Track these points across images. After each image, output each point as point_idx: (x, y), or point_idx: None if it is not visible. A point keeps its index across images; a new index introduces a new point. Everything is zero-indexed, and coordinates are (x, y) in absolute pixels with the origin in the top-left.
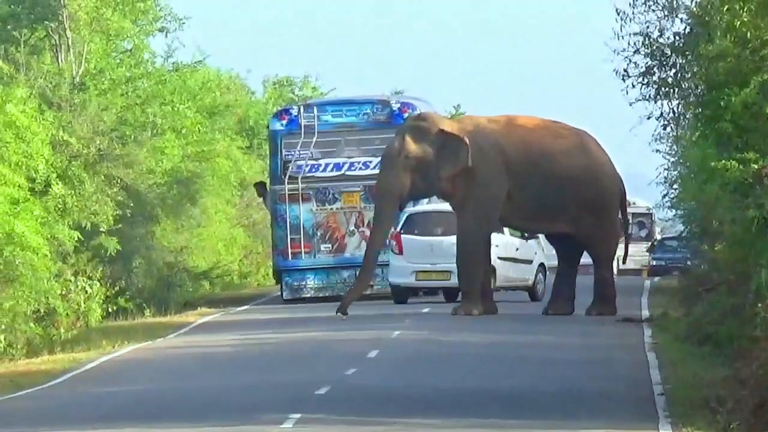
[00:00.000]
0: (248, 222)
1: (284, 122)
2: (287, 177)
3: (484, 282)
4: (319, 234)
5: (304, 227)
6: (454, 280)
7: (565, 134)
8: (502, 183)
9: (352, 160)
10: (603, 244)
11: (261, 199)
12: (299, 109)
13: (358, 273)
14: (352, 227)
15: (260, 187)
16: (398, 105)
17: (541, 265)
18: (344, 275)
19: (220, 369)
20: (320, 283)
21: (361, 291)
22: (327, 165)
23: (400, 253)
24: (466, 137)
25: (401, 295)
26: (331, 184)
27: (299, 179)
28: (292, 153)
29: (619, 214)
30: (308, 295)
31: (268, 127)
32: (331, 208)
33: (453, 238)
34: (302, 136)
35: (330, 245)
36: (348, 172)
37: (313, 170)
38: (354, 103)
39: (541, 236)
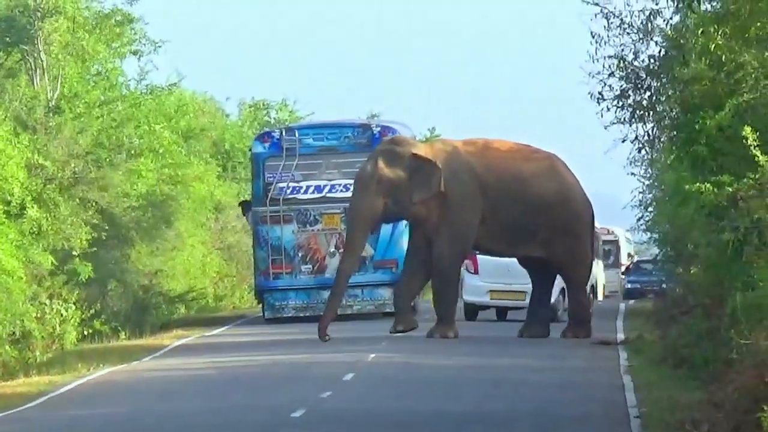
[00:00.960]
0: (223, 245)
1: (266, 145)
2: (269, 199)
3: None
4: (300, 255)
5: (285, 248)
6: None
7: (536, 157)
8: (476, 207)
9: (333, 182)
10: (576, 267)
11: (245, 218)
12: (281, 132)
13: (328, 297)
14: (332, 248)
15: (245, 205)
16: (378, 129)
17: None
18: (324, 295)
19: (196, 392)
20: (301, 303)
21: (332, 315)
22: (308, 187)
23: (476, 272)
24: (438, 162)
25: (472, 313)
26: (312, 206)
27: (281, 201)
28: (274, 175)
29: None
30: (289, 315)
31: (250, 149)
32: (312, 230)
33: None
34: (284, 158)
35: (311, 266)
36: (329, 194)
37: (295, 192)
38: (335, 126)
39: None
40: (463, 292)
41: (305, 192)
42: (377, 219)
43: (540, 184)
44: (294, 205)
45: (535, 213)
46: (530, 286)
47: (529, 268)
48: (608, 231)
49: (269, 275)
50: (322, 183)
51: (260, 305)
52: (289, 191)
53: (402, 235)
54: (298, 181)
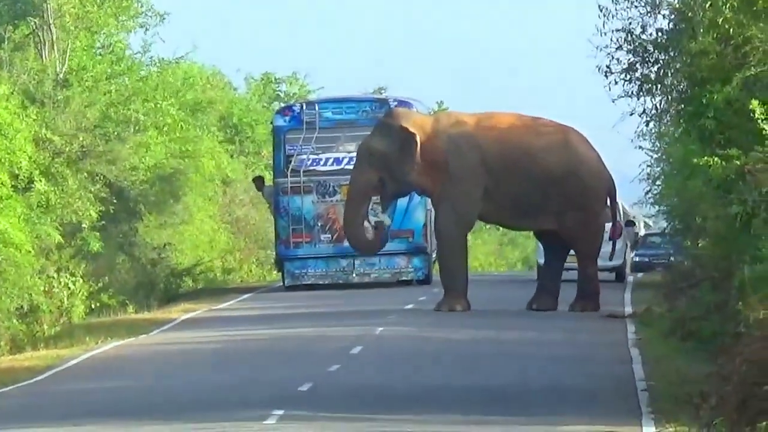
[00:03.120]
0: (231, 219)
1: (287, 118)
2: (290, 170)
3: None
4: (319, 224)
5: (305, 218)
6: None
7: (547, 131)
8: (477, 179)
9: (351, 154)
10: (586, 240)
11: (260, 194)
12: (301, 107)
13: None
14: None
15: (259, 181)
16: (395, 103)
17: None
18: (342, 264)
19: (203, 365)
20: (320, 271)
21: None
22: (327, 159)
23: None
24: (441, 135)
25: None
26: (331, 177)
27: (301, 172)
28: (295, 148)
29: (607, 209)
30: (309, 282)
31: (271, 123)
32: (331, 200)
33: None
34: (304, 131)
35: (329, 235)
36: (347, 167)
37: (314, 164)
38: (353, 101)
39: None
40: None
41: (324, 164)
42: (371, 191)
43: (548, 158)
44: (313, 177)
45: (544, 186)
46: None
47: (542, 240)
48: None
49: (290, 244)
50: (340, 155)
51: (279, 274)
52: (308, 163)
53: (418, 207)
54: (317, 154)
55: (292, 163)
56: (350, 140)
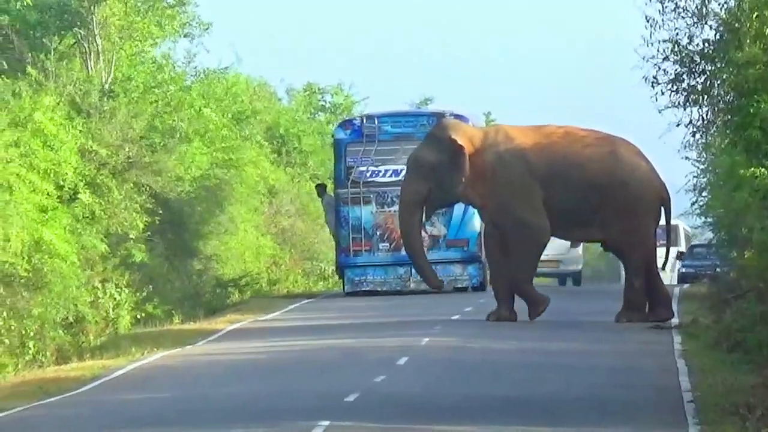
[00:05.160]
0: (277, 229)
1: (348, 132)
2: (350, 182)
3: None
4: (378, 233)
5: (364, 227)
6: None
7: (595, 142)
8: (529, 188)
9: None
10: (633, 250)
11: (320, 201)
12: (362, 120)
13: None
14: None
15: (321, 188)
16: (452, 117)
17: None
18: (400, 271)
19: (249, 376)
20: (379, 278)
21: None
22: (386, 171)
23: None
24: (487, 147)
25: None
26: (389, 188)
27: (361, 184)
28: (355, 159)
29: (661, 220)
30: (367, 289)
31: (333, 136)
32: (390, 211)
33: None
34: (364, 144)
35: (388, 244)
36: None
37: (374, 176)
38: (411, 115)
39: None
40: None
41: (383, 175)
42: (421, 202)
43: (594, 168)
44: (373, 188)
45: (591, 197)
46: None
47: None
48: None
49: (350, 252)
50: (399, 167)
51: (340, 280)
52: (368, 174)
53: (473, 216)
54: (376, 165)
55: (353, 174)
56: (408, 153)
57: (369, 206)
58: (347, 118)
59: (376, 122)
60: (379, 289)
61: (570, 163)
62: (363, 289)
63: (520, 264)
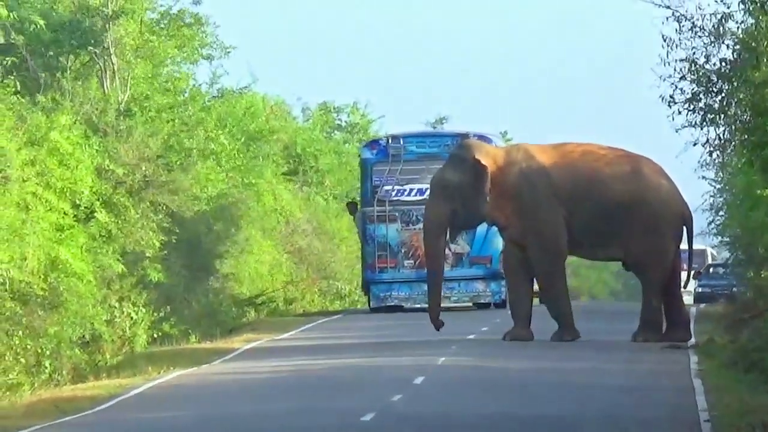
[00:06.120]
0: (293, 249)
1: (374, 151)
2: (376, 200)
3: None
4: (403, 251)
5: (390, 245)
6: None
7: (617, 160)
8: (553, 207)
9: None
10: (651, 269)
11: (352, 218)
12: (388, 140)
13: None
14: None
15: (351, 206)
16: (475, 138)
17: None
18: (424, 288)
19: (266, 395)
20: (404, 294)
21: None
22: (411, 190)
23: None
24: (512, 167)
25: None
26: (414, 207)
27: (387, 202)
28: (381, 179)
29: (682, 240)
30: (392, 304)
31: (359, 155)
32: (414, 228)
33: None
34: (390, 164)
35: (413, 261)
36: None
37: (399, 194)
38: (436, 135)
39: None
40: None
41: (408, 194)
42: (446, 223)
43: (619, 188)
44: (398, 206)
45: (613, 215)
46: None
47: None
48: None
49: (375, 269)
50: (423, 186)
51: (366, 297)
52: (394, 193)
53: (496, 234)
54: (402, 185)
55: (378, 193)
56: (433, 172)
57: (394, 224)
58: (373, 139)
59: (402, 142)
60: (403, 304)
61: (593, 182)
62: (388, 304)
63: (549, 283)
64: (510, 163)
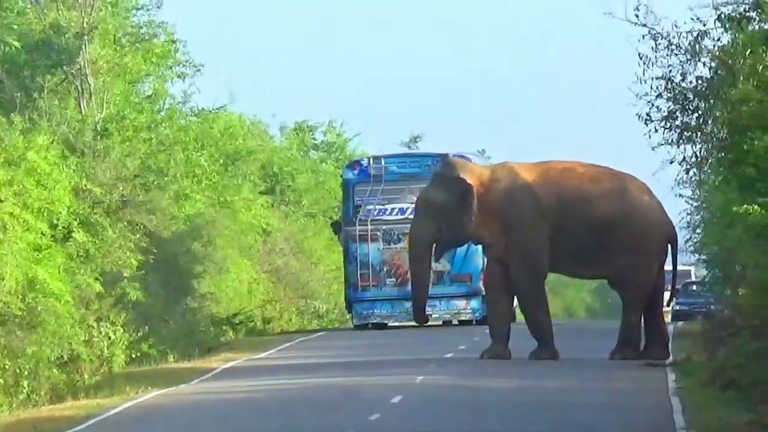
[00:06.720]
0: (271, 268)
1: (356, 172)
2: (358, 220)
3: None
4: (385, 269)
5: (372, 263)
6: None
7: (603, 178)
8: (538, 225)
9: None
10: (633, 287)
11: (336, 237)
12: (369, 161)
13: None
14: None
15: (336, 226)
16: (456, 157)
17: None
18: (406, 305)
19: (244, 415)
20: (386, 312)
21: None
22: (393, 209)
23: None
24: (497, 185)
25: None
26: (396, 226)
27: (368, 222)
28: (363, 199)
29: (666, 258)
30: (375, 321)
31: (341, 176)
32: (396, 247)
33: None
34: (371, 184)
35: (394, 279)
36: (411, 216)
37: (381, 214)
38: (417, 156)
39: None
40: None
41: (390, 214)
42: (430, 242)
43: (604, 205)
44: (380, 225)
45: (599, 233)
46: None
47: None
48: None
49: (358, 287)
50: (405, 206)
51: (348, 315)
52: (375, 213)
53: (476, 252)
54: (383, 204)
55: (360, 212)
56: (414, 192)
57: (376, 243)
58: (355, 159)
59: (383, 163)
60: (386, 322)
61: (578, 199)
62: (371, 321)
63: (530, 300)
64: (495, 180)
